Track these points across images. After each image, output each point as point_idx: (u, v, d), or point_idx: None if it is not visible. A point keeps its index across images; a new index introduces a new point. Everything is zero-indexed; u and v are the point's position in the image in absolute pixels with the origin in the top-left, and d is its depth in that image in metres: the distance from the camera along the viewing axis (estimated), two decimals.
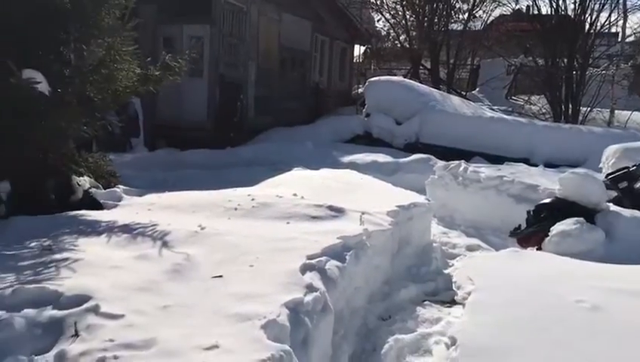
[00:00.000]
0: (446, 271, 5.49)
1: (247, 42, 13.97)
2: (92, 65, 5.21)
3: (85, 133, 5.73)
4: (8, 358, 2.44)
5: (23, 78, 4.70)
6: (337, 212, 4.98)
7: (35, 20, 5.12)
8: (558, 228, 5.33)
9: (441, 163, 8.78)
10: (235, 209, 5.04)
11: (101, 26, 5.39)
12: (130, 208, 5.37)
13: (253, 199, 5.26)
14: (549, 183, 7.06)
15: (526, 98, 21.36)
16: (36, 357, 2.44)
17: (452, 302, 4.69)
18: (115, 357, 2.35)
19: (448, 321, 4.17)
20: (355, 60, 25.59)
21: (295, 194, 5.50)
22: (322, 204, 5.07)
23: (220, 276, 3.38)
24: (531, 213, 5.89)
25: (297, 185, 6.33)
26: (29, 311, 2.75)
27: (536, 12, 19.80)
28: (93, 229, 4.35)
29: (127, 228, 4.32)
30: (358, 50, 26.38)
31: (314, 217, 4.81)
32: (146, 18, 8.24)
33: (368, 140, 13.53)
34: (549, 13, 19.07)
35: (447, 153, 11.23)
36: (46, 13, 5.15)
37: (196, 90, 12.63)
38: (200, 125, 12.68)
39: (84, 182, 5.59)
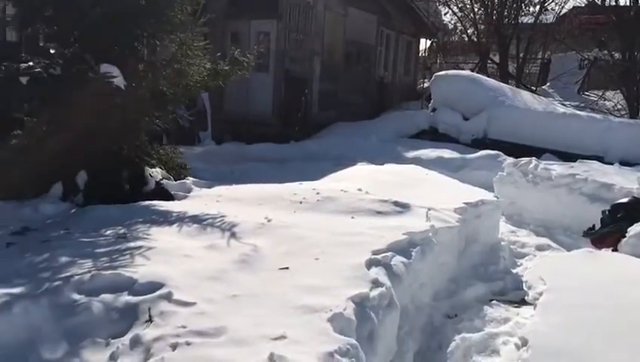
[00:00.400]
0: (514, 271, 5.34)
1: (313, 37, 14.03)
2: (165, 60, 5.37)
3: (157, 127, 5.93)
4: (87, 340, 2.56)
5: (100, 72, 4.90)
6: (403, 207, 4.93)
7: (111, 16, 5.32)
8: (636, 229, 5.09)
9: (510, 160, 8.56)
10: (300, 202, 5.08)
11: (174, 22, 5.54)
12: (200, 199, 5.51)
13: (318, 193, 5.28)
14: (626, 182, 6.74)
15: (600, 93, 20.42)
16: (113, 341, 2.55)
17: (521, 302, 4.56)
18: (188, 344, 2.41)
19: (517, 322, 4.05)
20: (420, 54, 25.22)
21: (360, 189, 5.49)
22: (387, 199, 5.04)
23: (287, 268, 3.41)
24: (607, 212, 5.65)
25: (361, 179, 6.31)
26: (106, 297, 2.88)
27: (612, 3, 18.89)
28: (165, 219, 4.49)
29: (197, 219, 4.44)
30: (425, 43, 25.99)
31: (379, 212, 4.78)
32: (216, 14, 8.40)
33: (434, 135, 13.30)
34: (627, 4, 18.16)
35: (517, 150, 10.91)
36: (121, 10, 5.34)
37: (262, 85, 12.82)
38: (265, 119, 12.86)
39: (157, 173, 5.78)
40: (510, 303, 4.63)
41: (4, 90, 5.02)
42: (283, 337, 2.49)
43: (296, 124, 12.91)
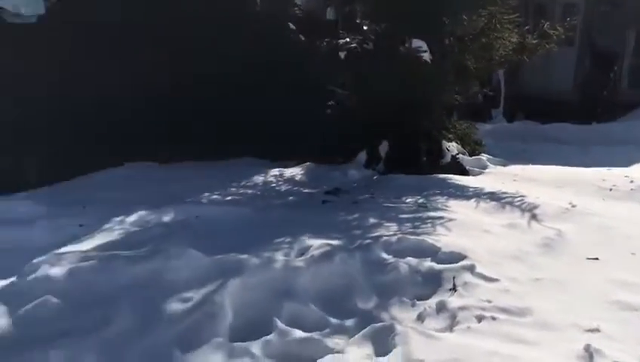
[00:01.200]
0: None
1: (625, 7, 12.43)
2: (472, 35, 5.33)
3: (456, 101, 5.96)
4: (394, 298, 2.73)
5: (412, 47, 5.09)
6: None
7: None
8: None
9: None
10: (610, 189, 4.66)
11: None
12: (495, 177, 5.43)
13: (631, 181, 4.79)
14: None
15: None
16: (418, 302, 2.66)
17: None
18: (493, 318, 2.41)
19: None
20: None
21: None
22: None
23: (596, 258, 3.17)
24: None
25: None
26: (411, 260, 3.03)
27: None
28: (462, 193, 4.55)
29: (494, 196, 4.39)
30: None
31: None
32: None
33: None
34: None
35: None
36: None
37: (563, 60, 11.85)
38: (564, 97, 11.90)
39: (453, 147, 5.87)
40: None
41: (327, 63, 5.59)
42: (597, 330, 2.32)
43: (600, 103, 11.69)
